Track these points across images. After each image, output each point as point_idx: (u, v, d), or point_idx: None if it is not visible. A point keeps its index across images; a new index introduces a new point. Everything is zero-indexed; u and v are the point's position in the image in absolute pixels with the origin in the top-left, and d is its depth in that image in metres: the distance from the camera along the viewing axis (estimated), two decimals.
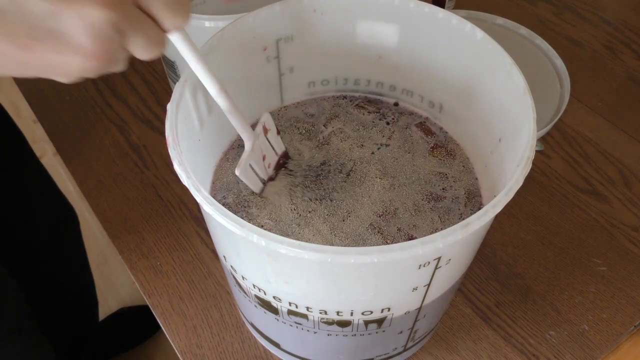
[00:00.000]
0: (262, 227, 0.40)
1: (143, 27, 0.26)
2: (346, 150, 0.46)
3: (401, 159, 0.45)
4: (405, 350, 0.45)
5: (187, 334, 0.51)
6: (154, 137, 0.65)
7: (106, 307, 1.14)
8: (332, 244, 0.39)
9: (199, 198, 0.30)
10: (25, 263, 0.74)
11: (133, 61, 0.46)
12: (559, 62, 0.63)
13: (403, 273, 0.32)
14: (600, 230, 0.56)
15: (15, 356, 0.70)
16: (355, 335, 0.38)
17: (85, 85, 0.71)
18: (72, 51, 0.24)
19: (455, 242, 0.29)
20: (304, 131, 0.47)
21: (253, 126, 0.41)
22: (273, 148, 0.43)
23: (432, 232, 0.38)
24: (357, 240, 0.39)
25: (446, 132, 0.47)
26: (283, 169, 0.44)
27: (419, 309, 0.37)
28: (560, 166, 0.61)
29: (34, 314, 0.73)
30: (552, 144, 0.63)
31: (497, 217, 0.32)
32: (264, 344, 0.49)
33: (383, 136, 0.47)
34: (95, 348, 1.01)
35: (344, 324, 0.37)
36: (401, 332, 0.40)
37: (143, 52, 0.27)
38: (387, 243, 0.39)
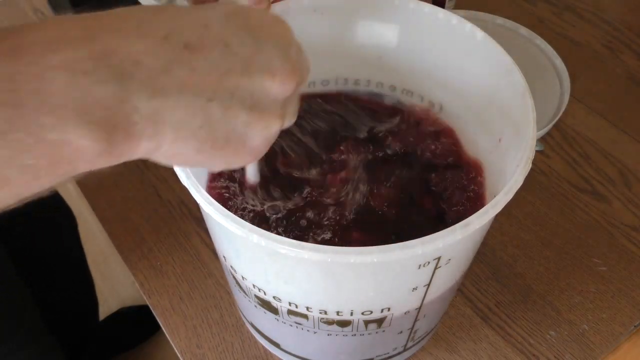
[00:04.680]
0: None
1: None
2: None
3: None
4: (405, 350, 0.45)
5: (187, 334, 0.50)
6: None
7: (106, 307, 1.14)
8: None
9: (198, 198, 0.30)
10: (24, 265, 0.74)
11: None
12: (559, 62, 0.63)
13: (403, 273, 0.32)
14: (600, 230, 0.56)
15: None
16: (355, 335, 0.38)
17: None
18: (247, 153, 0.26)
19: (455, 242, 0.29)
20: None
21: None
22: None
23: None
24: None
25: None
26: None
27: (419, 308, 0.37)
28: (560, 166, 0.61)
29: (45, 319, 0.73)
30: (552, 144, 0.63)
31: (497, 217, 0.32)
32: (264, 344, 0.49)
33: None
34: (95, 348, 1.01)
35: (344, 323, 0.37)
36: (401, 332, 0.40)
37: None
38: None
